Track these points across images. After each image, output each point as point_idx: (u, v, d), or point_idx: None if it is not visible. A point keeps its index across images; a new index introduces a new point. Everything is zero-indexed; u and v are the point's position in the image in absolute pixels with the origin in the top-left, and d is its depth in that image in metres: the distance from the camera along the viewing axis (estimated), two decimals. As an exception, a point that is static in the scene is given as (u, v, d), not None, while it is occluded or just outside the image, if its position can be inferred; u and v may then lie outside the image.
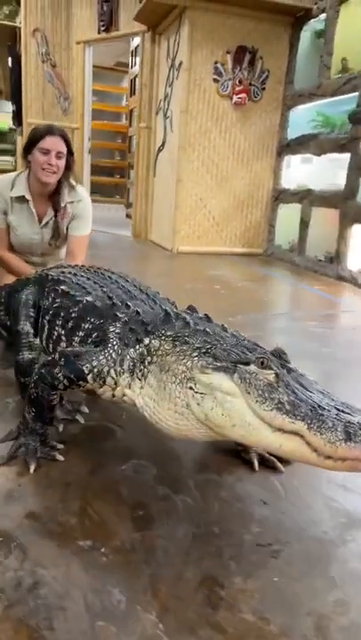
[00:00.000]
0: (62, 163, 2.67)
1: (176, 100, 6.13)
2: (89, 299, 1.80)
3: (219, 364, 1.33)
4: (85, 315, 1.77)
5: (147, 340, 1.51)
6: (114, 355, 1.55)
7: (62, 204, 2.78)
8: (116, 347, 1.56)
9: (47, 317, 1.98)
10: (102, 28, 7.23)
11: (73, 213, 2.83)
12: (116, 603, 1.09)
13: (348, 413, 1.15)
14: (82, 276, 2.01)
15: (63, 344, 1.85)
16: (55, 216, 2.81)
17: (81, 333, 1.76)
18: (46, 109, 7.81)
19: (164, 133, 6.63)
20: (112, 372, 1.53)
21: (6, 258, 2.90)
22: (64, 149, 2.66)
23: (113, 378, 1.53)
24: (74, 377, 1.53)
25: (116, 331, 1.59)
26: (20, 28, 7.63)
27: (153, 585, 1.15)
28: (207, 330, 1.44)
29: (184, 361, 1.39)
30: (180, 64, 5.93)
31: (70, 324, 1.83)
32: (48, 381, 1.55)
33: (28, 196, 2.79)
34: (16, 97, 7.99)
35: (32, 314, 2.07)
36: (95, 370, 1.53)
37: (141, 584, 1.15)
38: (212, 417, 1.30)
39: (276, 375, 1.25)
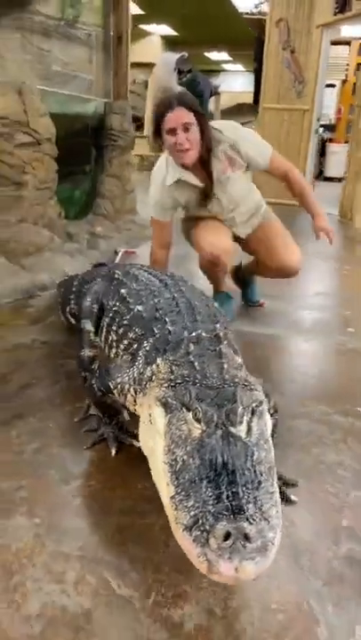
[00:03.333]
0: (193, 133, 2.41)
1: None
2: (140, 308, 1.80)
3: (166, 400, 1.26)
4: (133, 324, 1.77)
5: (158, 360, 1.48)
6: (136, 373, 1.56)
7: (220, 155, 2.57)
8: (140, 365, 1.56)
9: (107, 319, 2.01)
10: (336, 10, 7.36)
11: (244, 155, 2.61)
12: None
13: (230, 506, 0.95)
14: (142, 281, 2.01)
15: (114, 350, 1.87)
16: (210, 180, 2.62)
17: (125, 342, 1.78)
18: (281, 93, 8.39)
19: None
20: (132, 390, 1.55)
21: (154, 260, 2.86)
22: (190, 118, 2.38)
23: (132, 396, 1.55)
24: (104, 389, 1.66)
25: (147, 348, 1.60)
26: (265, 20, 8.32)
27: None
28: (195, 364, 1.34)
29: (157, 389, 1.34)
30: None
31: (121, 331, 1.84)
32: (91, 389, 1.72)
33: (184, 177, 2.61)
34: (257, 81, 8.89)
35: (94, 311, 2.13)
36: (119, 387, 1.60)
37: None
38: (145, 449, 1.31)
39: (202, 432, 1.13)
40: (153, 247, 2.90)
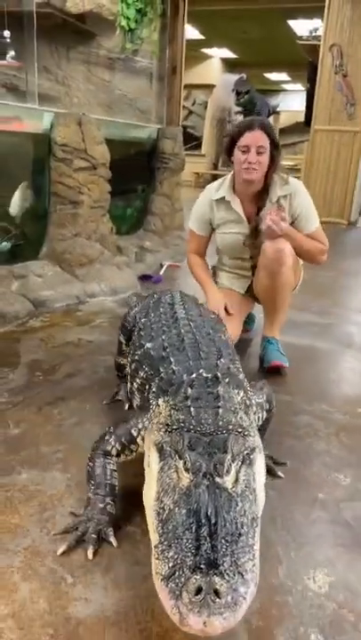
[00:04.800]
0: (264, 158, 2.50)
1: None
2: (149, 345, 1.79)
3: (162, 446, 1.28)
4: (142, 362, 1.77)
5: (160, 401, 1.49)
6: (151, 413, 1.53)
7: (274, 199, 2.63)
8: (153, 405, 1.55)
9: (130, 348, 2.06)
10: (388, 35, 7.55)
11: (292, 212, 2.65)
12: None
13: (207, 560, 0.98)
14: (159, 311, 2.02)
15: (129, 384, 1.90)
16: (257, 214, 2.68)
17: (138, 381, 1.76)
18: (333, 115, 8.62)
19: None
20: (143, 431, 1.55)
21: (191, 262, 2.97)
22: (266, 143, 2.49)
23: (142, 436, 1.55)
24: (125, 440, 1.57)
25: (154, 389, 1.60)
26: (319, 45, 8.59)
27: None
28: (191, 409, 1.35)
29: (156, 432, 1.36)
30: None
31: (133, 366, 1.85)
32: (102, 449, 1.59)
33: (228, 197, 2.70)
34: (308, 103, 9.22)
35: (128, 326, 2.24)
36: (141, 431, 1.55)
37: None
38: (143, 490, 1.31)
39: (190, 481, 1.15)
40: (188, 255, 3.01)
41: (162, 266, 5.02)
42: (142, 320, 2.02)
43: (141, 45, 5.66)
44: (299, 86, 20.96)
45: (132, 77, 5.85)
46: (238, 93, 13.53)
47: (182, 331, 1.81)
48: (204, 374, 1.50)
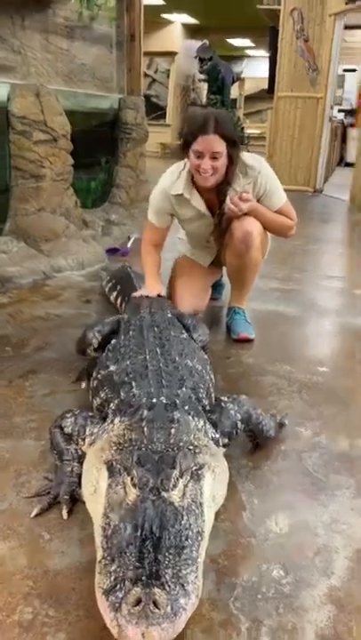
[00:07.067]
0: (220, 162, 2.39)
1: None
2: (113, 368, 1.80)
3: (112, 463, 1.30)
4: (104, 383, 1.79)
5: (116, 420, 1.53)
6: (106, 426, 1.58)
7: (238, 189, 2.55)
8: (109, 420, 1.60)
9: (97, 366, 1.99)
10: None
11: (256, 192, 2.59)
12: None
13: (148, 572, 1.00)
14: (129, 334, 2.01)
15: (90, 398, 1.92)
16: (220, 207, 2.62)
17: (98, 400, 1.79)
18: (296, 82, 8.60)
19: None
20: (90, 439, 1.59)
21: (144, 251, 2.81)
22: (221, 148, 2.36)
23: (89, 445, 1.59)
24: (76, 429, 1.64)
25: (113, 408, 1.63)
26: (280, 10, 8.51)
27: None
28: (145, 430, 1.38)
29: (107, 451, 1.39)
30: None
31: (94, 384, 1.89)
32: (59, 424, 1.67)
33: (187, 194, 2.58)
34: (271, 70, 9.19)
35: (100, 332, 2.23)
36: (92, 437, 1.60)
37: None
38: (90, 510, 1.32)
39: (137, 496, 1.17)
40: (143, 245, 2.83)
41: (129, 238, 5.02)
42: (113, 341, 2.04)
43: (98, 12, 5.52)
44: (263, 52, 20.72)
45: (91, 45, 5.70)
46: (202, 60, 13.28)
47: (148, 357, 1.79)
48: (164, 401, 1.54)
